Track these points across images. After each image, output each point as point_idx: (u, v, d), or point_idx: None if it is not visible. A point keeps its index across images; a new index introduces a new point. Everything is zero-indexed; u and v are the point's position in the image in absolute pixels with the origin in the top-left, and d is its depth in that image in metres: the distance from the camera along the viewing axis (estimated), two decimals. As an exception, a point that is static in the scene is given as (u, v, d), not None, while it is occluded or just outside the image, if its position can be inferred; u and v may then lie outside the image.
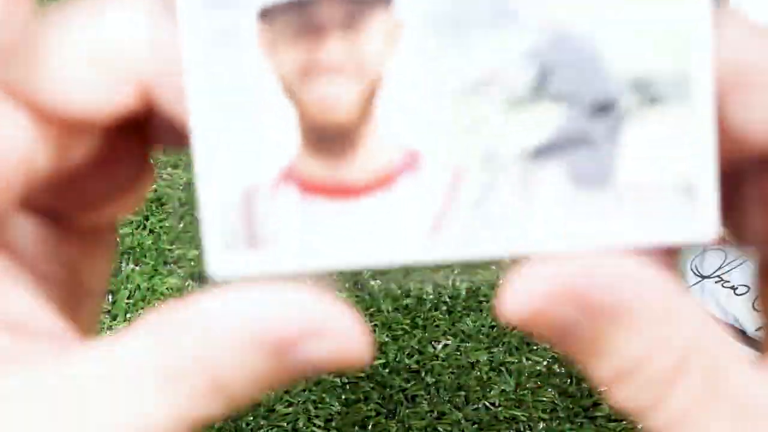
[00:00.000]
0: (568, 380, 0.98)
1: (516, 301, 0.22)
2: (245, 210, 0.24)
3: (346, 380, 0.92)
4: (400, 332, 0.96)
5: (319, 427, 0.93)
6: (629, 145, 0.23)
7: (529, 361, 0.98)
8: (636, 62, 0.23)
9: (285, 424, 0.95)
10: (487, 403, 0.94)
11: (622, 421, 0.96)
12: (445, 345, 0.96)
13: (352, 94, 0.23)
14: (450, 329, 0.97)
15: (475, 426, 0.91)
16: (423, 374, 0.93)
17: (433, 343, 0.97)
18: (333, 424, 0.92)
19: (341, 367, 0.22)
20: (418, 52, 0.23)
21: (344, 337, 0.21)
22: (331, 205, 0.24)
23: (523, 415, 0.93)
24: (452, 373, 0.94)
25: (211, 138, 0.23)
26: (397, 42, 0.23)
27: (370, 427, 0.92)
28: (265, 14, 0.23)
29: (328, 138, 0.24)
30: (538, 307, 0.22)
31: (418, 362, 0.95)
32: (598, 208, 0.23)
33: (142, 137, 0.26)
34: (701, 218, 0.23)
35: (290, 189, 0.24)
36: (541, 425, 0.94)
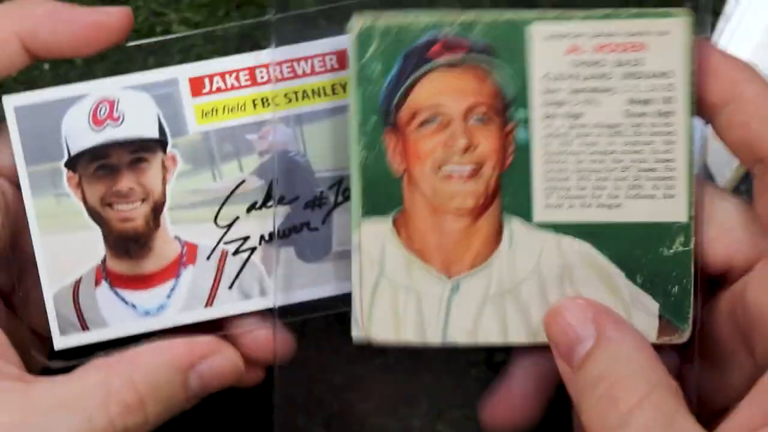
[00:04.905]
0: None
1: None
2: (73, 301, 0.33)
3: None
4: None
5: None
6: (337, 226, 0.33)
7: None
8: None
9: None
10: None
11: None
12: None
13: (143, 211, 0.33)
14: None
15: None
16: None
17: None
18: None
19: (229, 381, 0.32)
20: (183, 176, 0.33)
21: (226, 358, 0.32)
22: (134, 293, 0.33)
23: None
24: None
25: (46, 252, 0.33)
26: (172, 170, 0.33)
27: None
28: (70, 163, 0.33)
29: (129, 244, 0.33)
30: None
31: None
32: (319, 274, 0.33)
33: None
34: None
35: (104, 284, 0.33)
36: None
